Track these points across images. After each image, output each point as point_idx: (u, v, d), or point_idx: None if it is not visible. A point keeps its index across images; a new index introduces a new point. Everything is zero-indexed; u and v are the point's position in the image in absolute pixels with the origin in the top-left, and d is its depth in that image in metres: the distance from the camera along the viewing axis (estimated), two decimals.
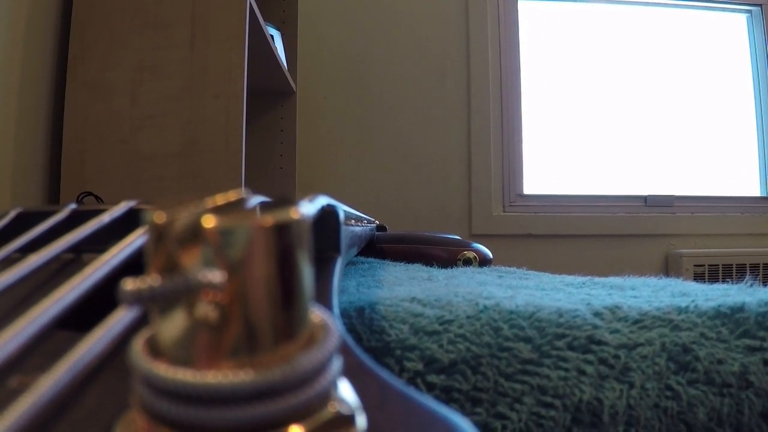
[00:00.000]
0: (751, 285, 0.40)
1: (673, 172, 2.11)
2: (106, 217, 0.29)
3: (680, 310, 0.33)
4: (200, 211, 0.13)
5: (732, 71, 2.18)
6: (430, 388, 0.29)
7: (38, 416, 0.12)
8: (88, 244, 0.26)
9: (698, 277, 1.92)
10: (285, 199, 0.15)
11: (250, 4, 1.06)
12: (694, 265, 1.93)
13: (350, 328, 0.32)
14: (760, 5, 2.15)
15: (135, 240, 0.23)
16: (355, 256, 0.67)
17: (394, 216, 1.83)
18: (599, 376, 0.30)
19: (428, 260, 0.71)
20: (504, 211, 1.98)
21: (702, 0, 2.18)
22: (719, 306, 0.34)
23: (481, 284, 0.46)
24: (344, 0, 1.98)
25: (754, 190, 2.14)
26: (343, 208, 0.35)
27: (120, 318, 0.16)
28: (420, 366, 0.30)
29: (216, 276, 0.12)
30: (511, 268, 0.66)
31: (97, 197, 0.93)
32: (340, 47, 1.96)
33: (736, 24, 2.21)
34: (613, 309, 0.34)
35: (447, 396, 0.29)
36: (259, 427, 0.12)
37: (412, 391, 0.15)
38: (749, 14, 2.19)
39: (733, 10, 2.20)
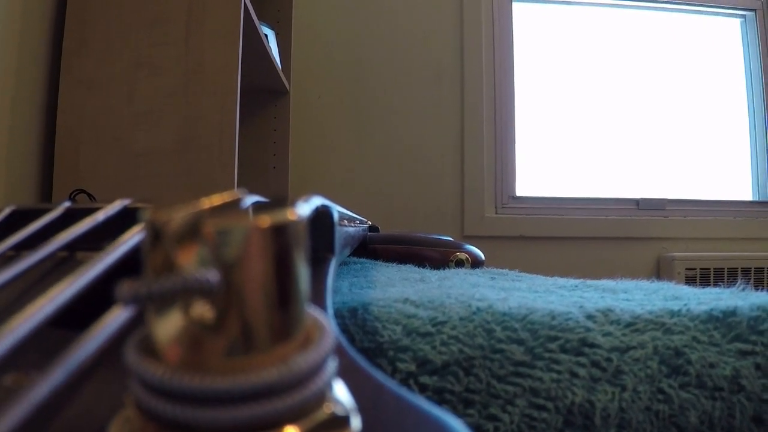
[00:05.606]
0: (744, 289, 0.40)
1: (666, 176, 2.12)
2: (100, 216, 0.29)
3: (673, 314, 0.33)
4: (197, 211, 0.13)
5: (725, 75, 2.19)
6: (422, 389, 0.29)
7: (33, 415, 0.12)
8: (82, 242, 0.26)
9: (690, 281, 1.92)
10: (281, 199, 0.15)
11: (245, 3, 1.05)
12: (686, 269, 1.94)
13: (343, 329, 0.32)
14: (754, 10, 2.16)
15: (131, 239, 0.23)
16: (348, 256, 0.67)
17: (386, 216, 1.83)
18: (591, 379, 0.30)
19: (420, 261, 0.71)
20: (496, 213, 1.98)
21: (696, 4, 2.18)
22: (712, 310, 0.34)
23: (474, 286, 0.46)
24: (339, 1, 1.98)
25: (746, 195, 2.15)
26: (336, 209, 0.35)
27: (116, 317, 0.16)
28: (413, 367, 0.30)
29: (212, 276, 0.12)
30: (504, 270, 0.66)
31: (89, 195, 0.92)
32: (334, 48, 1.96)
33: (730, 29, 2.22)
34: (606, 312, 0.34)
35: (439, 397, 0.29)
36: (255, 428, 0.12)
37: (405, 392, 0.15)
38: (743, 19, 2.20)
39: (728, 15, 2.21)
